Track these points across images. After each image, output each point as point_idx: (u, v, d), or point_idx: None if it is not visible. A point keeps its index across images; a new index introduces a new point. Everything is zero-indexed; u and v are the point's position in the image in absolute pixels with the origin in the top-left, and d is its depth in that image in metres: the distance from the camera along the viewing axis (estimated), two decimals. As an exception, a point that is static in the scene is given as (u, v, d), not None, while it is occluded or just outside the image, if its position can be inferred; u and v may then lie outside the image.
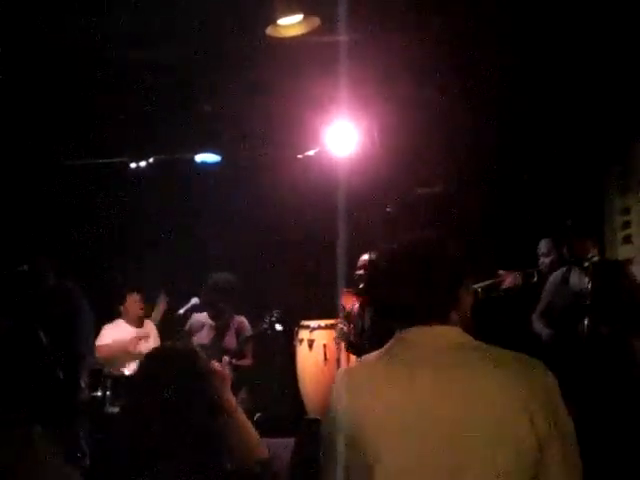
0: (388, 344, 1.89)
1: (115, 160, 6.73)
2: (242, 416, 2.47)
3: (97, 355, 6.03)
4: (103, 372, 5.88)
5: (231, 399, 2.47)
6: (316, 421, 5.27)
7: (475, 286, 5.46)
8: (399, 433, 1.72)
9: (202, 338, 5.83)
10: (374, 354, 1.90)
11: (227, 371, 5.52)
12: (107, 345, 6.08)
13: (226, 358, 5.63)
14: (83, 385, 5.03)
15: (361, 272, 5.45)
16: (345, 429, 1.77)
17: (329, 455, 1.83)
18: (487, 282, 5.58)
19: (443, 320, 1.84)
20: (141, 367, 2.31)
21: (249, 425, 2.48)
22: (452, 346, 1.82)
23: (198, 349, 2.38)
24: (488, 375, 1.76)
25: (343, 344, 5.80)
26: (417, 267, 1.83)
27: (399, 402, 1.75)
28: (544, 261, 5.79)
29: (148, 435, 2.12)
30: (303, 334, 6.37)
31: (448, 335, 1.84)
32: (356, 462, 1.76)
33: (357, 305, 5.68)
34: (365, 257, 5.47)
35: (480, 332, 1.91)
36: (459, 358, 1.80)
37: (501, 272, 5.76)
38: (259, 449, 2.44)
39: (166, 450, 2.09)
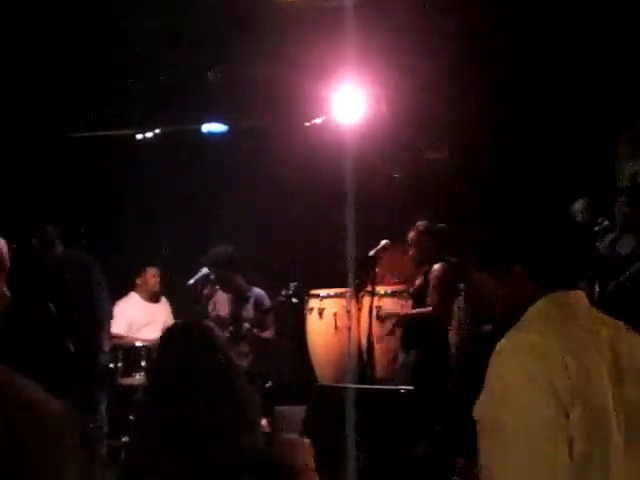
0: (543, 309, 1.79)
1: (122, 132, 6.70)
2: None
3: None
4: (115, 343, 5.92)
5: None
6: (327, 388, 5.28)
7: None
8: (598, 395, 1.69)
9: (222, 311, 5.79)
10: (535, 322, 1.78)
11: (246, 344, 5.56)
12: (120, 335, 6.21)
13: (246, 325, 5.58)
14: (107, 349, 5.08)
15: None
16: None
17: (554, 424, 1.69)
18: None
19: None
20: (159, 346, 2.36)
21: None
22: (595, 310, 1.85)
23: (212, 324, 2.38)
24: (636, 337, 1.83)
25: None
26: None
27: (596, 365, 1.72)
28: (579, 217, 5.72)
29: (168, 410, 2.13)
30: (313, 303, 6.38)
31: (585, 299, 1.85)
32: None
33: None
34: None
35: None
36: (609, 321, 1.82)
37: None
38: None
39: (185, 425, 2.10)
